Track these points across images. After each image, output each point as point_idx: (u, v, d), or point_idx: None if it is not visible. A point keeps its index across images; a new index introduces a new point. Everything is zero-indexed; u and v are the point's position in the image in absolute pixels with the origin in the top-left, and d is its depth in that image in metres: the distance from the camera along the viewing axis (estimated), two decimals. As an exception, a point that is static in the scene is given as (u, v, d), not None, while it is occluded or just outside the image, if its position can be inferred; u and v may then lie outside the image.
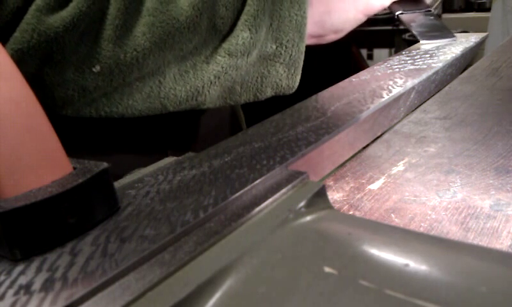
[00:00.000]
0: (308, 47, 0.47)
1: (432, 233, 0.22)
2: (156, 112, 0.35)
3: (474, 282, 0.14)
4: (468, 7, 2.00)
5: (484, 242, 0.21)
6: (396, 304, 0.14)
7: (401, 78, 0.41)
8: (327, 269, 0.15)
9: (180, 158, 0.27)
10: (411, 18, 0.59)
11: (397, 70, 0.45)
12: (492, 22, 1.53)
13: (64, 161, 0.20)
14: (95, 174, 0.19)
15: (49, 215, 0.17)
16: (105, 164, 0.19)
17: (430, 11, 0.60)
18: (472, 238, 0.21)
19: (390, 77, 0.42)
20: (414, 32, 0.58)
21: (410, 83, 0.40)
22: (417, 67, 0.45)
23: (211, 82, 0.35)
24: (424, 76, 0.42)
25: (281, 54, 0.38)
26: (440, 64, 0.46)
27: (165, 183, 0.23)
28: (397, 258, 0.16)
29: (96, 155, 0.40)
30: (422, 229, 0.22)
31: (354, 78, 0.44)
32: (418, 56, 0.51)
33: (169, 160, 0.28)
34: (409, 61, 0.49)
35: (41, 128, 0.19)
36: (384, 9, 0.51)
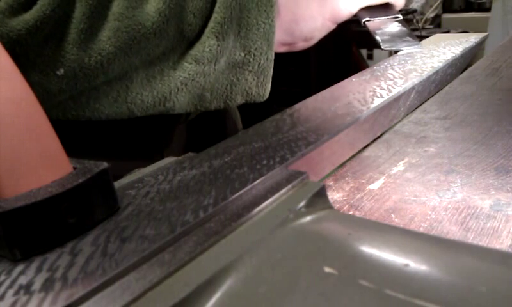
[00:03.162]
0: (308, 48, 0.47)
1: (432, 233, 0.22)
2: (123, 116, 0.35)
3: (474, 282, 0.14)
4: (468, 7, 2.00)
5: (484, 242, 0.21)
6: (396, 304, 0.14)
7: (401, 78, 0.41)
8: (327, 269, 0.15)
9: (180, 158, 0.27)
10: (377, 25, 0.58)
11: (397, 70, 0.45)
12: (492, 22, 1.53)
13: (64, 161, 0.20)
14: (95, 174, 0.19)
15: (49, 215, 0.17)
16: (105, 164, 0.19)
17: (398, 17, 0.60)
18: (471, 238, 0.21)
19: (390, 77, 0.42)
20: (377, 39, 0.57)
21: (410, 83, 0.40)
22: (417, 67, 0.45)
23: (178, 89, 0.35)
24: (424, 76, 0.42)
25: (249, 62, 0.38)
26: (440, 64, 0.46)
27: (165, 183, 0.23)
28: (397, 258, 0.16)
29: (91, 157, 0.40)
30: (422, 229, 0.22)
31: (354, 78, 0.44)
32: (419, 56, 0.51)
33: (169, 160, 0.28)
34: (409, 61, 0.49)
35: (41, 128, 0.19)
36: (353, 16, 0.51)
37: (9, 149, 0.18)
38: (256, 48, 0.37)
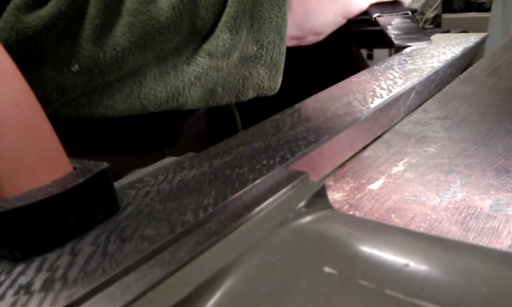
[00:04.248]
0: (308, 47, 0.47)
1: (432, 233, 0.22)
2: (136, 112, 0.35)
3: (474, 282, 0.14)
4: (468, 7, 2.00)
5: (484, 242, 0.21)
6: (396, 304, 0.14)
7: (401, 78, 0.41)
8: (327, 269, 0.15)
9: (180, 158, 0.27)
10: (388, 20, 0.59)
11: (397, 70, 0.45)
12: (492, 22, 1.53)
13: (64, 161, 0.20)
14: (95, 174, 0.19)
15: (49, 215, 0.17)
16: (105, 164, 0.19)
17: (407, 14, 0.61)
18: (471, 238, 0.21)
19: (390, 77, 0.42)
20: (389, 34, 0.58)
21: (410, 83, 0.40)
22: (417, 67, 0.45)
23: (192, 83, 0.35)
24: (424, 76, 0.42)
25: (262, 55, 0.38)
26: (440, 64, 0.46)
27: (165, 183, 0.23)
28: (397, 258, 0.16)
29: (92, 155, 0.40)
30: (422, 229, 0.22)
31: (354, 78, 0.44)
32: (419, 56, 0.51)
33: (169, 160, 0.28)
34: (409, 61, 0.49)
35: (41, 128, 0.19)
36: (363, 12, 0.52)
37: (9, 149, 0.18)
38: (268, 42, 0.37)
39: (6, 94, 0.18)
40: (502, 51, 0.61)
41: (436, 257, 0.16)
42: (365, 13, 0.53)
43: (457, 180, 0.26)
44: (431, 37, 0.63)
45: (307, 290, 0.15)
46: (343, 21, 0.48)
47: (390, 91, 0.37)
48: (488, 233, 0.21)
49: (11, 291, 0.15)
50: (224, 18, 0.34)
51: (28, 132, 0.18)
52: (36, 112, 0.19)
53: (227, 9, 0.34)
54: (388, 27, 0.59)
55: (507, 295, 0.13)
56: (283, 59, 0.39)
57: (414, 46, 0.58)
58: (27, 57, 0.29)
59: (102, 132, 0.40)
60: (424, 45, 0.58)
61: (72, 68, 0.30)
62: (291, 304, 0.14)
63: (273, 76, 0.39)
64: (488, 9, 1.66)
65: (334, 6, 0.46)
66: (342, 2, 0.47)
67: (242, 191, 0.21)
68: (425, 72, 0.43)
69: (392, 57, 0.53)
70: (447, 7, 2.02)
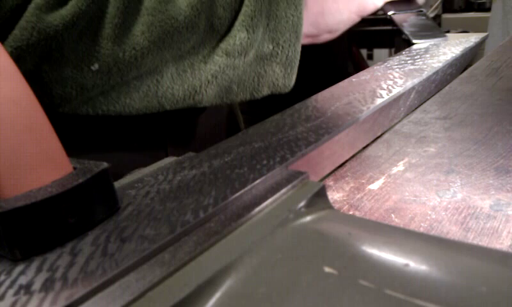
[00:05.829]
0: (308, 47, 0.47)
1: (432, 233, 0.22)
2: (153, 110, 0.35)
3: (474, 282, 0.14)
4: (468, 7, 2.01)
5: (484, 242, 0.21)
6: (396, 304, 0.14)
7: (401, 78, 0.41)
8: (327, 269, 0.15)
9: (180, 158, 0.27)
10: (403, 18, 0.60)
11: (397, 70, 0.45)
12: (492, 22, 1.53)
13: (64, 161, 0.20)
14: (95, 174, 0.19)
15: (49, 215, 0.17)
16: (105, 164, 0.19)
17: (422, 11, 0.61)
18: (471, 238, 0.21)
19: (390, 77, 0.42)
20: (406, 32, 0.59)
21: (410, 83, 0.40)
22: (417, 67, 0.45)
23: (208, 82, 0.35)
24: (424, 76, 0.42)
25: (277, 53, 0.38)
26: (440, 64, 0.46)
27: (165, 183, 0.23)
28: (397, 258, 0.16)
29: (95, 153, 0.40)
30: (422, 229, 0.22)
31: (354, 78, 0.44)
32: (418, 56, 0.51)
33: (169, 160, 0.28)
34: (409, 61, 0.49)
35: (41, 128, 0.19)
36: (378, 10, 0.52)
37: (9, 149, 0.18)
38: (284, 41, 0.38)
39: (7, 94, 0.18)
40: (502, 51, 0.61)
41: (436, 257, 0.16)
42: (377, 12, 0.54)
43: (457, 180, 0.26)
44: None
45: (307, 290, 0.15)
46: (357, 19, 0.48)
47: (390, 91, 0.37)
48: (488, 233, 0.21)
49: (11, 291, 0.15)
50: (241, 17, 0.35)
51: (28, 132, 0.18)
52: (36, 112, 0.19)
53: (244, 8, 0.35)
54: (404, 24, 0.59)
55: (507, 295, 0.13)
56: (298, 57, 0.40)
57: (431, 42, 0.58)
58: (48, 57, 0.30)
59: (105, 130, 0.40)
60: (441, 42, 0.58)
61: (92, 67, 0.31)
62: (291, 304, 0.14)
63: (288, 74, 0.39)
64: (488, 9, 1.66)
65: (349, 4, 0.46)
66: (358, 1, 0.47)
67: (242, 191, 0.21)
68: (425, 72, 0.43)
69: (391, 57, 0.53)
70: (447, 7, 2.02)
